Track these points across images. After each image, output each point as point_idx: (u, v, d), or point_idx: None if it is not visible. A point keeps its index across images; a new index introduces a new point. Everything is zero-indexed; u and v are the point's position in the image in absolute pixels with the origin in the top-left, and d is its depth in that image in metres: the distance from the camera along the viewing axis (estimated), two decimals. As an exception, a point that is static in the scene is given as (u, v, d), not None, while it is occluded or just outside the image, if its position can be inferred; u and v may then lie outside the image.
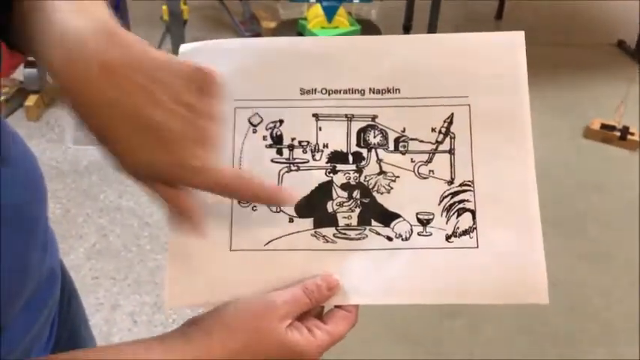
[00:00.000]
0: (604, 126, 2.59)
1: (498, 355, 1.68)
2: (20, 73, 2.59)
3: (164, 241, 2.07)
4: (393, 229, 0.54)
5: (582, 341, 1.78)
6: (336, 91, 0.57)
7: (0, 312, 0.50)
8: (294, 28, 2.55)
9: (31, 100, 2.58)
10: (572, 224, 2.16)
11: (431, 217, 0.54)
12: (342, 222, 0.55)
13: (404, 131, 0.56)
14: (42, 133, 2.52)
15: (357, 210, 0.55)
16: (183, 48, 0.58)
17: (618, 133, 2.56)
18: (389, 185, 0.55)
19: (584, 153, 2.55)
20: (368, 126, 0.56)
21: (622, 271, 2.01)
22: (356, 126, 0.56)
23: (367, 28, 2.56)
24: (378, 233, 0.55)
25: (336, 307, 0.53)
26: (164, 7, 2.43)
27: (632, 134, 2.56)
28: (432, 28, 2.44)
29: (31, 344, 0.58)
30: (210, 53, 0.58)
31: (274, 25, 2.94)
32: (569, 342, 1.74)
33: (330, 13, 2.44)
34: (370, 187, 0.55)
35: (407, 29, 2.78)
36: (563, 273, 1.96)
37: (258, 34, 3.21)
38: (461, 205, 0.55)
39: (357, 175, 0.55)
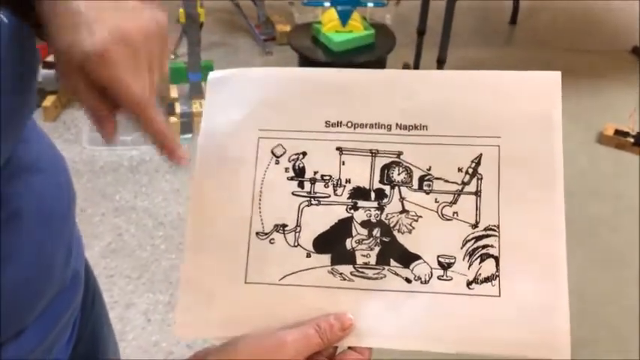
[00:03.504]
0: (618, 132, 2.58)
1: (509, 360, 1.68)
2: (38, 74, 2.62)
3: (178, 240, 2.10)
4: (412, 270, 0.53)
5: (593, 347, 1.78)
6: (361, 125, 0.55)
7: (22, 313, 0.52)
8: (309, 31, 2.56)
9: (48, 101, 2.60)
10: (585, 230, 2.16)
11: (452, 260, 0.52)
12: (360, 260, 0.53)
13: (429, 170, 0.54)
14: (59, 134, 2.55)
15: (377, 249, 0.53)
16: (212, 75, 0.58)
17: (632, 139, 2.55)
18: (411, 225, 0.53)
19: (597, 158, 2.54)
20: (392, 162, 0.54)
21: (634, 277, 2.01)
22: (380, 162, 0.55)
23: (382, 32, 2.57)
24: (396, 274, 0.53)
25: (349, 348, 0.51)
26: (181, 10, 2.45)
27: (646, 140, 2.55)
28: (446, 33, 2.44)
29: (52, 344, 0.59)
30: (238, 82, 0.57)
31: (289, 29, 2.96)
32: (580, 348, 1.74)
33: (344, 17, 2.45)
34: (391, 225, 0.54)
35: (421, 33, 2.79)
36: (575, 278, 1.95)
37: (272, 38, 3.23)
38: (484, 251, 0.52)
39: (379, 213, 0.54)
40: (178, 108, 2.54)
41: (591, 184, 2.38)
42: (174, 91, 2.61)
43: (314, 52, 2.47)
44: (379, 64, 2.49)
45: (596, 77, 3.02)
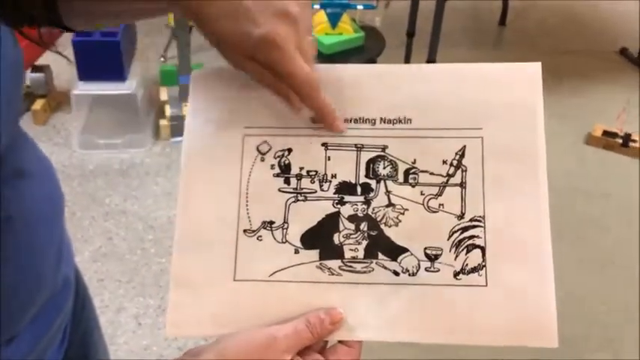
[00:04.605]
0: (606, 133, 2.60)
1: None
2: (27, 77, 2.61)
3: (168, 244, 2.09)
4: (400, 263, 0.53)
5: (584, 347, 1.79)
6: (346, 120, 0.55)
7: (14, 319, 0.52)
8: (299, 34, 2.56)
9: (37, 105, 2.59)
10: (574, 230, 2.17)
11: (439, 252, 0.53)
12: (348, 254, 0.54)
13: (414, 163, 0.54)
14: (48, 137, 2.54)
15: (364, 242, 0.54)
16: (195, 74, 0.58)
17: (620, 140, 2.57)
18: (397, 218, 0.54)
19: (586, 160, 2.55)
20: (377, 157, 0.55)
21: (623, 276, 2.02)
22: (365, 156, 0.55)
23: (371, 34, 2.58)
24: (384, 267, 0.53)
25: (340, 342, 0.52)
26: (170, 13, 2.45)
27: (634, 141, 2.56)
28: (435, 35, 2.45)
29: (44, 350, 0.59)
30: (222, 79, 0.57)
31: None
32: (571, 347, 1.75)
33: (334, 19, 2.45)
34: (378, 219, 0.54)
35: (410, 35, 2.80)
36: (565, 279, 1.97)
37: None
38: (470, 241, 0.53)
39: (365, 207, 0.54)
40: (168, 111, 2.54)
41: (580, 185, 2.39)
42: (164, 94, 2.61)
43: (304, 55, 2.47)
44: (369, 66, 2.49)
45: (584, 78, 3.04)
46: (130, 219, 2.20)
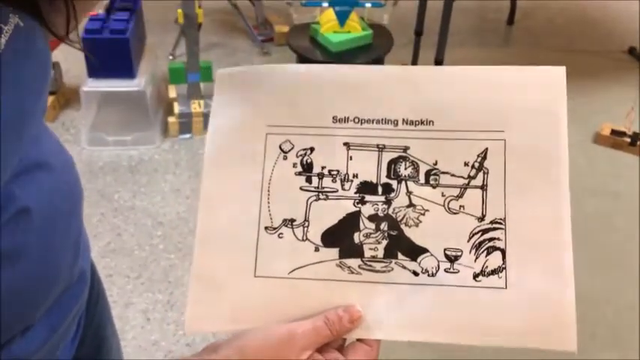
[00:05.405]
0: (614, 132, 2.59)
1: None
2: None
3: (177, 240, 2.10)
4: (419, 263, 0.53)
5: (591, 347, 1.79)
6: (368, 121, 0.56)
7: (28, 310, 0.52)
8: (307, 32, 2.56)
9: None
10: (582, 229, 2.15)
11: (459, 253, 0.53)
12: (368, 253, 0.54)
13: (436, 164, 0.55)
14: (58, 134, 2.50)
15: (384, 242, 0.54)
16: (221, 72, 0.59)
17: (628, 139, 2.56)
18: (418, 219, 0.54)
19: (594, 158, 2.55)
20: (399, 157, 0.55)
21: (630, 276, 2.02)
22: (387, 157, 0.55)
23: (379, 32, 2.58)
24: (404, 267, 0.53)
25: (358, 340, 0.52)
26: (179, 11, 2.45)
27: (642, 140, 2.56)
28: (443, 33, 2.45)
29: (57, 343, 0.59)
30: (246, 78, 0.58)
31: (287, 30, 2.96)
32: (578, 347, 1.74)
33: (342, 17, 2.45)
34: (398, 219, 0.54)
35: (418, 34, 2.80)
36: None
37: (271, 38, 3.24)
38: (491, 244, 0.53)
39: (386, 207, 0.55)
40: (177, 108, 2.55)
41: (588, 184, 2.39)
42: (172, 92, 2.62)
43: (312, 53, 2.48)
44: (377, 64, 2.49)
45: (592, 77, 3.03)
46: (138, 215, 2.21)
